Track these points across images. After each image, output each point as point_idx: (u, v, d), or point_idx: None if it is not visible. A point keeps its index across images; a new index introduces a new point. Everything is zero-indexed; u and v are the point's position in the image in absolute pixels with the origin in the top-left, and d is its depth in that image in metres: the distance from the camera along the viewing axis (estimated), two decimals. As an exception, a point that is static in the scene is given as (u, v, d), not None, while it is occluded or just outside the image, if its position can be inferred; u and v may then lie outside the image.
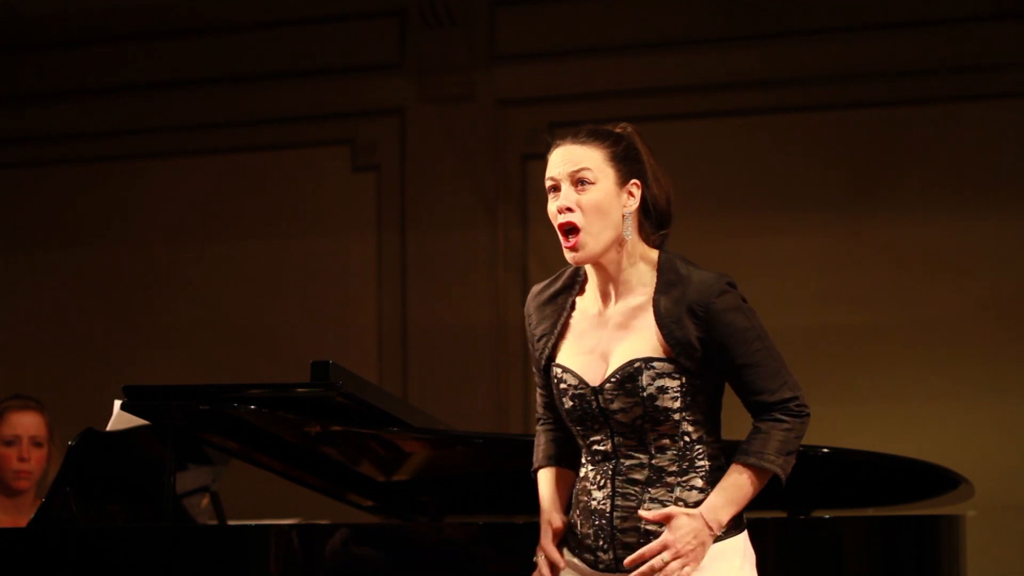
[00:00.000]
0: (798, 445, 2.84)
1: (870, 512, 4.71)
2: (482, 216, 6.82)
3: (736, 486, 2.80)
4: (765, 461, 2.79)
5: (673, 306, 2.82)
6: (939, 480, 4.39)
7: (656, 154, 2.96)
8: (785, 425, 2.81)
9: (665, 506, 2.82)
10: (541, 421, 3.09)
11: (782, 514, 4.16)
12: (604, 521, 2.86)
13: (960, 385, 6.23)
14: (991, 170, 6.30)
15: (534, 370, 3.04)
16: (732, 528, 2.85)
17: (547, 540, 2.95)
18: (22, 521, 4.46)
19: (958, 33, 6.34)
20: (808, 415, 2.85)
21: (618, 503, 2.85)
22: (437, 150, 6.90)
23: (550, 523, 2.96)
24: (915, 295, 6.31)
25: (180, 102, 7.24)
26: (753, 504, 2.87)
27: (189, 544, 3.54)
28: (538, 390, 3.07)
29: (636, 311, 2.87)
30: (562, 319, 2.95)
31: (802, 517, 4.24)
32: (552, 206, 2.88)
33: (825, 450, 4.09)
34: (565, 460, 3.03)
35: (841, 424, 6.13)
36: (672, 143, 6.37)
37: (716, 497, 2.79)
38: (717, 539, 2.82)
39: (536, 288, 3.03)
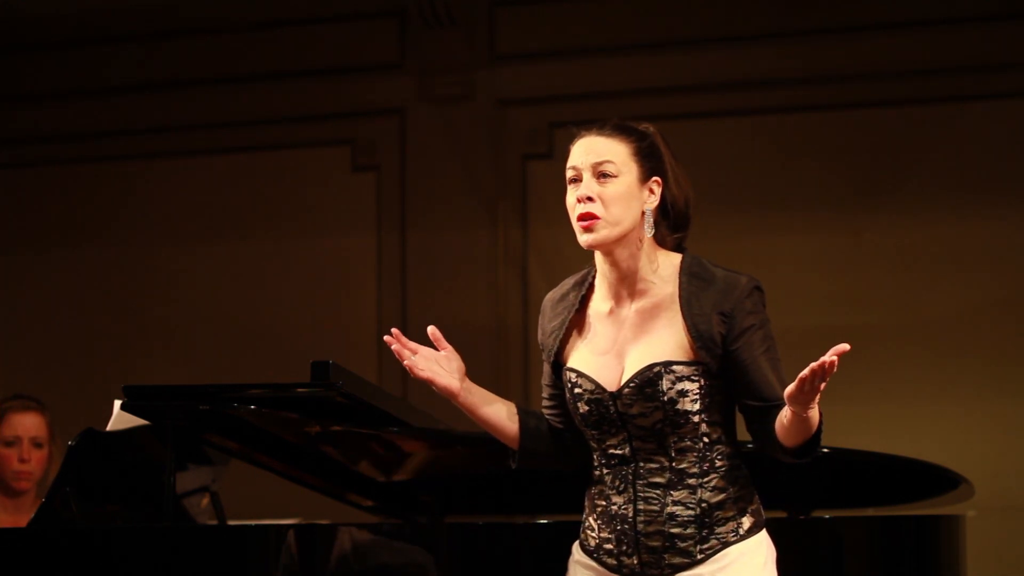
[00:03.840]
0: None
1: (870, 512, 4.71)
2: (482, 216, 6.82)
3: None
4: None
5: (702, 303, 2.82)
6: (939, 480, 4.39)
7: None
8: None
9: (689, 508, 2.81)
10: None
11: (782, 514, 4.16)
12: (627, 526, 2.85)
13: (960, 385, 6.23)
14: (991, 170, 6.30)
15: (546, 369, 3.01)
16: (753, 527, 2.85)
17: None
18: (22, 521, 4.45)
19: (958, 33, 6.34)
20: None
21: (640, 507, 2.84)
22: (437, 150, 6.90)
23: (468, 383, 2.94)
24: (916, 295, 6.31)
25: (180, 102, 7.24)
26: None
27: (189, 544, 3.54)
28: (544, 393, 3.04)
29: (654, 311, 2.86)
30: (571, 315, 2.93)
31: (802, 517, 4.23)
32: (571, 196, 2.86)
33: (825, 450, 4.08)
34: (530, 422, 3.00)
35: (841, 424, 6.10)
36: (672, 143, 6.35)
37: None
38: (740, 538, 2.82)
39: (550, 293, 3.03)
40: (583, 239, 2.84)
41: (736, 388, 2.83)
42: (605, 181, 2.84)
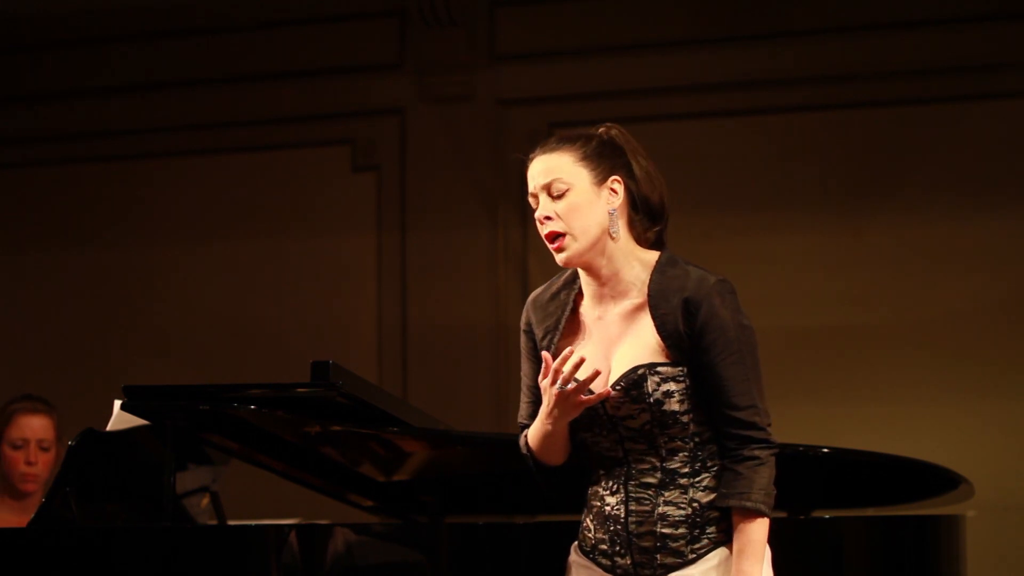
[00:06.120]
0: (774, 475, 2.83)
1: (870, 512, 4.71)
2: (482, 216, 6.82)
3: (752, 544, 2.77)
4: (753, 502, 2.77)
5: (668, 299, 2.81)
6: (939, 480, 4.39)
7: (653, 154, 2.95)
8: (759, 463, 2.80)
9: (680, 508, 2.81)
10: (523, 428, 3.02)
11: (782, 514, 4.16)
12: (619, 527, 2.85)
13: (960, 385, 6.23)
14: (991, 170, 6.30)
15: (523, 377, 3.01)
16: None
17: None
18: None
19: (958, 33, 6.34)
20: (778, 449, 2.83)
21: (632, 508, 2.84)
22: (437, 150, 6.90)
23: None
24: (915, 295, 6.31)
25: (180, 102, 7.24)
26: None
27: (189, 544, 3.54)
28: (523, 398, 3.02)
29: (634, 312, 2.86)
30: (565, 315, 2.94)
31: (802, 517, 4.24)
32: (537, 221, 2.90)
33: (825, 450, 4.09)
34: None
35: (841, 424, 6.13)
36: (672, 143, 6.37)
37: (746, 564, 2.77)
38: (731, 538, 2.80)
39: (535, 292, 3.03)
40: (558, 259, 2.88)
41: (706, 392, 2.82)
42: (559, 198, 2.86)
